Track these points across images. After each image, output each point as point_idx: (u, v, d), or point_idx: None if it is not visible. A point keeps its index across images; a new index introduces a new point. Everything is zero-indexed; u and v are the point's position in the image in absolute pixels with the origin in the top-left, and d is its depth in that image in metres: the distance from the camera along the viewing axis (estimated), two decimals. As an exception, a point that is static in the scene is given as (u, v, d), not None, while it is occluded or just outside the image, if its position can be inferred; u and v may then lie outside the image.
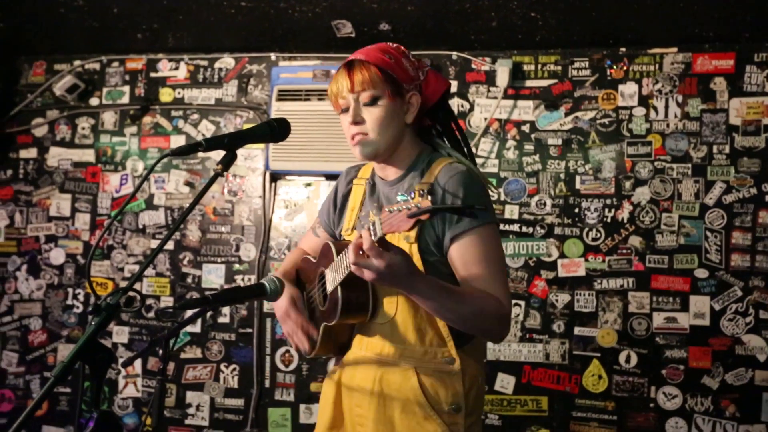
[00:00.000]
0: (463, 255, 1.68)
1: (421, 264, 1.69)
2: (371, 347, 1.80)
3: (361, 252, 1.48)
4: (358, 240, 1.48)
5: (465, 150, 1.84)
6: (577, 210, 3.21)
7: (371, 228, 1.46)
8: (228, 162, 1.62)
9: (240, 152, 1.66)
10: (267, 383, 3.42)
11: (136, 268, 3.58)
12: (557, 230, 3.22)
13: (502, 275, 1.70)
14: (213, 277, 3.52)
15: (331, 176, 3.37)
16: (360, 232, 1.49)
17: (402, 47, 1.81)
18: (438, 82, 1.81)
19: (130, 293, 1.42)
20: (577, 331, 3.16)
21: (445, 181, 1.69)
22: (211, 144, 1.60)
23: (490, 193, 1.81)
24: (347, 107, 1.76)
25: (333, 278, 1.71)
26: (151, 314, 3.56)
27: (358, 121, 1.74)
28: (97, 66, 3.73)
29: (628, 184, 3.18)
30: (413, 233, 1.69)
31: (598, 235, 3.19)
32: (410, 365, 1.73)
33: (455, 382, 1.72)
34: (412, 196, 1.36)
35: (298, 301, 1.90)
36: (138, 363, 3.52)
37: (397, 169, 1.81)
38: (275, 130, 1.70)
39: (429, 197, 1.34)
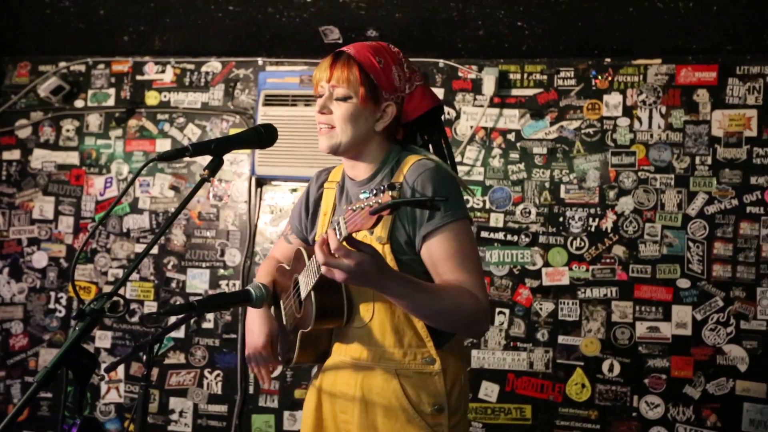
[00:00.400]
0: (436, 251, 1.67)
1: (395, 263, 1.69)
2: (350, 352, 1.79)
3: (329, 252, 1.47)
4: (323, 238, 1.47)
5: (448, 162, 1.83)
6: (561, 219, 3.24)
7: (336, 227, 1.45)
8: (215, 167, 1.62)
9: (226, 157, 1.65)
10: (251, 389, 3.40)
11: (120, 272, 3.55)
12: (542, 239, 3.24)
13: (476, 270, 1.70)
14: (197, 282, 3.50)
15: (317, 182, 3.37)
16: (325, 232, 1.48)
17: (400, 54, 1.80)
18: (422, 101, 1.79)
19: (115, 298, 1.41)
20: (561, 339, 3.18)
21: (414, 178, 1.68)
22: (197, 149, 1.60)
23: (465, 195, 1.80)
24: (322, 95, 1.78)
25: (306, 283, 1.71)
26: (135, 319, 3.53)
27: (323, 111, 1.76)
28: (82, 68, 3.71)
29: (612, 194, 3.21)
30: (384, 233, 1.70)
31: (582, 244, 3.21)
32: (390, 368, 1.73)
33: (436, 382, 1.72)
34: (374, 192, 1.35)
35: (275, 336, 1.91)
36: (120, 368, 3.49)
37: (366, 169, 1.81)
38: (262, 137, 1.70)
39: (390, 192, 1.32)
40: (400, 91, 1.78)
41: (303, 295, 1.73)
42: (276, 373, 3.38)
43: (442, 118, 1.91)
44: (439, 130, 1.87)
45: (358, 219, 1.38)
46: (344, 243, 1.45)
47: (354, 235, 1.44)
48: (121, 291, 3.25)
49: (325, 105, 1.76)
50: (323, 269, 1.50)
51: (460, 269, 1.66)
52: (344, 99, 1.74)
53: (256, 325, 1.90)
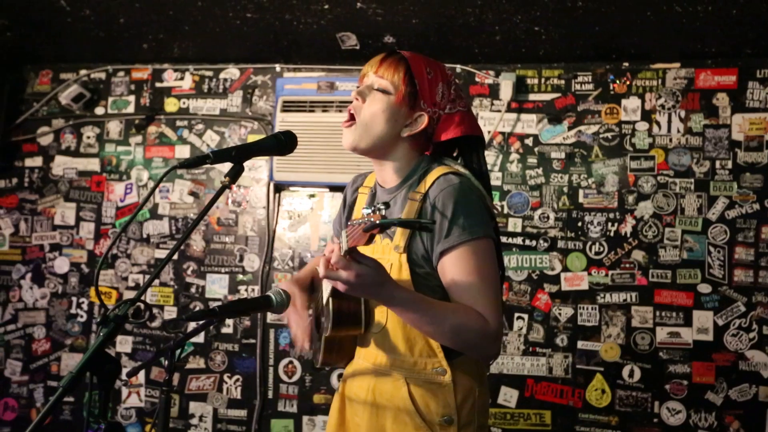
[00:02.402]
0: (450, 270, 1.65)
1: (410, 275, 1.68)
2: (367, 356, 1.81)
3: (329, 265, 1.50)
4: (328, 255, 1.50)
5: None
6: (580, 224, 3.22)
7: (341, 241, 1.49)
8: (235, 174, 1.62)
9: (244, 163, 1.67)
10: (270, 394, 3.42)
11: (140, 277, 3.58)
12: (560, 244, 3.23)
13: (492, 292, 1.65)
14: (217, 287, 3.52)
15: (334, 188, 3.39)
16: (330, 246, 1.51)
17: (452, 76, 1.79)
18: (459, 126, 1.75)
19: (138, 304, 1.43)
20: (581, 345, 3.16)
21: (436, 194, 1.67)
22: (218, 156, 1.60)
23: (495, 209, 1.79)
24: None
25: (326, 289, 1.73)
26: (155, 324, 3.56)
27: (358, 97, 1.75)
28: (102, 75, 3.76)
29: (630, 199, 3.19)
30: (402, 243, 1.69)
31: (601, 249, 3.19)
32: (401, 375, 1.73)
33: (446, 393, 1.70)
34: (372, 210, 1.39)
35: (304, 305, 1.90)
36: (141, 373, 3.52)
37: (394, 176, 1.80)
38: (282, 143, 1.71)
39: (383, 211, 1.37)
40: (440, 107, 1.76)
41: (324, 300, 1.75)
42: (296, 378, 3.40)
43: (486, 152, 1.88)
44: (478, 158, 1.81)
45: (355, 234, 1.42)
46: (348, 256, 1.47)
47: (360, 247, 1.46)
48: (142, 297, 3.27)
49: (363, 91, 1.75)
50: (326, 281, 1.53)
51: (473, 290, 1.63)
52: (383, 91, 1.74)
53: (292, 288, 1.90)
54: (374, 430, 1.74)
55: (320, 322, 1.89)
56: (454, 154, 1.88)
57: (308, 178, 3.33)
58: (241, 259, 3.51)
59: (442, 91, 1.76)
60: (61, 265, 3.68)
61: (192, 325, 3.22)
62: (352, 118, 1.76)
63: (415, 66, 1.73)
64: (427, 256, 1.70)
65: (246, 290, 3.49)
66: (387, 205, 1.38)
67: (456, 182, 1.68)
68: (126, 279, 3.61)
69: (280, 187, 3.49)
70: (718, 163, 3.14)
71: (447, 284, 1.67)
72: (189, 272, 3.55)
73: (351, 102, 1.78)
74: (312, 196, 3.49)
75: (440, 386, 1.71)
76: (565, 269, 3.21)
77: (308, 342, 1.89)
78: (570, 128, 3.28)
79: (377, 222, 1.37)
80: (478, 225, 1.66)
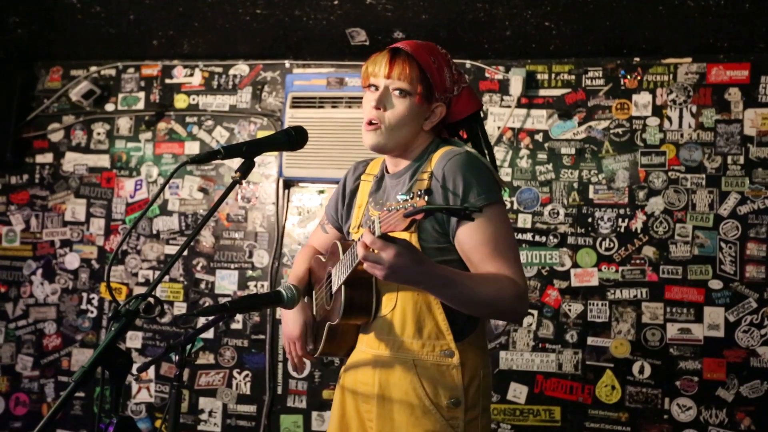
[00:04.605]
0: (471, 237, 1.67)
1: (422, 252, 1.68)
2: (371, 343, 1.81)
3: (367, 248, 1.49)
4: (363, 239, 1.49)
5: (486, 154, 1.83)
6: (590, 219, 3.21)
7: (371, 226, 1.48)
8: (246, 170, 1.63)
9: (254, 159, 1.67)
10: (279, 390, 3.42)
11: (150, 273, 3.59)
12: (570, 240, 3.22)
13: (513, 253, 1.69)
14: (226, 283, 3.53)
15: (344, 184, 3.39)
16: (364, 231, 1.50)
17: (448, 55, 1.81)
18: (468, 103, 1.81)
19: (149, 299, 1.43)
20: (590, 341, 3.15)
21: (442, 165, 1.69)
22: (229, 152, 1.61)
23: (503, 189, 1.80)
24: (373, 86, 1.77)
25: (338, 277, 1.73)
26: (165, 320, 3.57)
27: (379, 107, 1.74)
28: (112, 72, 3.76)
29: (641, 194, 3.17)
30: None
31: (612, 244, 3.18)
32: (408, 359, 1.73)
33: (454, 375, 1.72)
34: (411, 196, 1.39)
35: (309, 326, 1.93)
36: (151, 368, 3.53)
37: (406, 163, 1.82)
38: (293, 139, 1.72)
39: (426, 197, 1.36)
40: (450, 92, 1.79)
41: (334, 288, 1.75)
42: (305, 374, 3.40)
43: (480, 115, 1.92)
44: (479, 126, 1.87)
45: (392, 220, 1.41)
46: (381, 238, 1.47)
47: None
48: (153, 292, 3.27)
49: (382, 101, 1.74)
50: (366, 265, 1.51)
51: (497, 254, 1.65)
52: (403, 96, 1.74)
53: (291, 316, 1.93)
54: (383, 418, 1.75)
55: (319, 313, 1.90)
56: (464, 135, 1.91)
57: (318, 174, 3.33)
58: (251, 255, 3.52)
59: (449, 75, 1.78)
60: (72, 261, 3.70)
61: (202, 321, 3.23)
62: (371, 122, 1.76)
63: (423, 60, 1.74)
64: (441, 230, 1.71)
65: (255, 286, 3.50)
66: (429, 191, 1.37)
67: (461, 152, 1.71)
68: (136, 275, 3.62)
69: (289, 183, 3.49)
70: (729, 159, 3.11)
71: (467, 251, 1.68)
72: (198, 268, 3.56)
73: (361, 98, 1.79)
74: (321, 192, 3.49)
75: (448, 368, 1.72)
76: (575, 265, 3.20)
77: (302, 368, 1.95)
78: (580, 124, 3.26)
79: (423, 208, 1.35)
80: (490, 191, 1.69)
